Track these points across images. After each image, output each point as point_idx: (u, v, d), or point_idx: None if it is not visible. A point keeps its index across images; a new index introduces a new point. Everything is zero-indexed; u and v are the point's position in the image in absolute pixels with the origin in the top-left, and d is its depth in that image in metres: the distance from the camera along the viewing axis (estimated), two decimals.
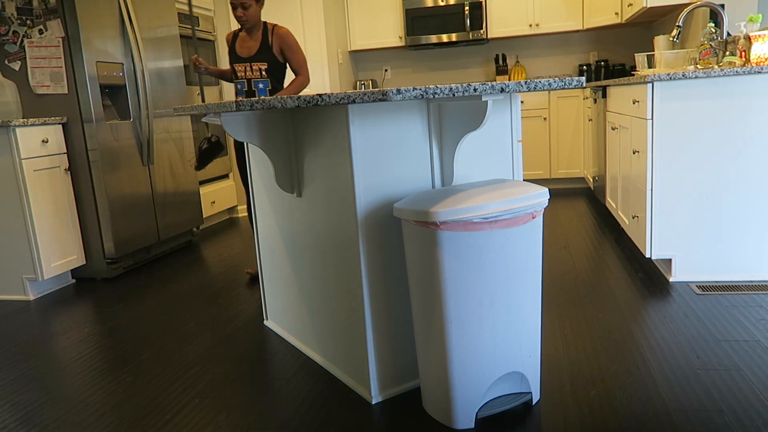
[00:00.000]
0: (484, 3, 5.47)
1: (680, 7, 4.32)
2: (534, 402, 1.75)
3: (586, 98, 5.02)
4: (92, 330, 2.63)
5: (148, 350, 2.36)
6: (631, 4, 4.54)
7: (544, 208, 1.75)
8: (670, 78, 2.50)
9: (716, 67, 2.99)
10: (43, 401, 1.99)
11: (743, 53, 2.91)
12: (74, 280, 3.43)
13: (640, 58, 4.04)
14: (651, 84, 2.56)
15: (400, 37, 5.76)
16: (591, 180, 4.78)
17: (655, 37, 4.49)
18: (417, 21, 5.57)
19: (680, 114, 2.55)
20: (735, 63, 2.82)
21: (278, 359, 2.19)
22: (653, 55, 3.87)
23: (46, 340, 2.54)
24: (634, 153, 2.84)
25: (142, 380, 2.09)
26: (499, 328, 1.62)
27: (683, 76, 2.49)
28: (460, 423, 1.64)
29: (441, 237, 1.51)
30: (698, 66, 3.51)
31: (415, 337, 1.70)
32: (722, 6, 3.37)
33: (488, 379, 1.64)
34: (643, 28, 5.62)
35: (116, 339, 2.50)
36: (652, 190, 2.64)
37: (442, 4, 5.53)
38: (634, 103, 2.80)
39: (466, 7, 5.46)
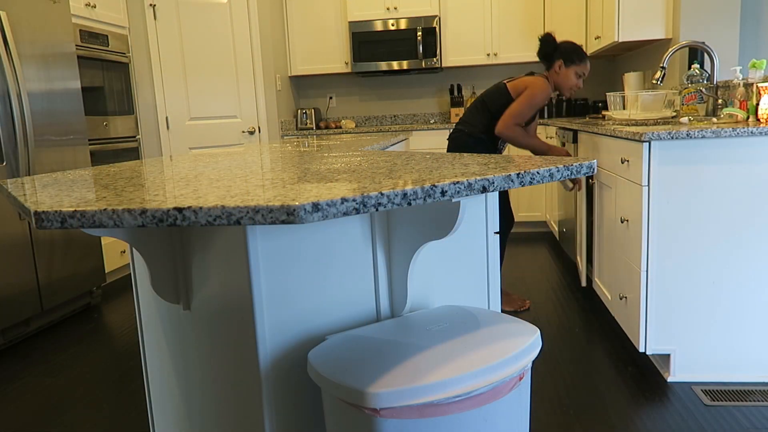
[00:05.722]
0: (438, 29, 4.99)
1: (649, 43, 3.94)
2: None
3: (550, 137, 4.58)
4: None
5: None
6: (599, 37, 4.13)
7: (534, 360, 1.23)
8: (672, 137, 2.03)
9: (714, 120, 2.55)
10: None
11: (743, 104, 2.49)
12: None
13: (613, 98, 3.62)
14: (648, 143, 2.08)
15: (347, 63, 5.21)
16: (555, 226, 4.32)
17: (625, 75, 4.09)
18: (365, 46, 5.03)
19: (683, 181, 2.08)
20: (737, 116, 2.38)
21: None
22: (627, 95, 3.45)
23: None
24: (622, 222, 2.35)
25: None
26: None
27: (687, 135, 2.02)
28: None
29: (382, 428, 0.94)
30: (682, 109, 3.10)
31: None
32: (704, 45, 2.97)
33: None
34: (606, 61, 5.26)
35: None
36: (647, 271, 2.15)
37: (392, 28, 5.01)
38: (623, 163, 2.32)
39: (419, 33, 4.97)
